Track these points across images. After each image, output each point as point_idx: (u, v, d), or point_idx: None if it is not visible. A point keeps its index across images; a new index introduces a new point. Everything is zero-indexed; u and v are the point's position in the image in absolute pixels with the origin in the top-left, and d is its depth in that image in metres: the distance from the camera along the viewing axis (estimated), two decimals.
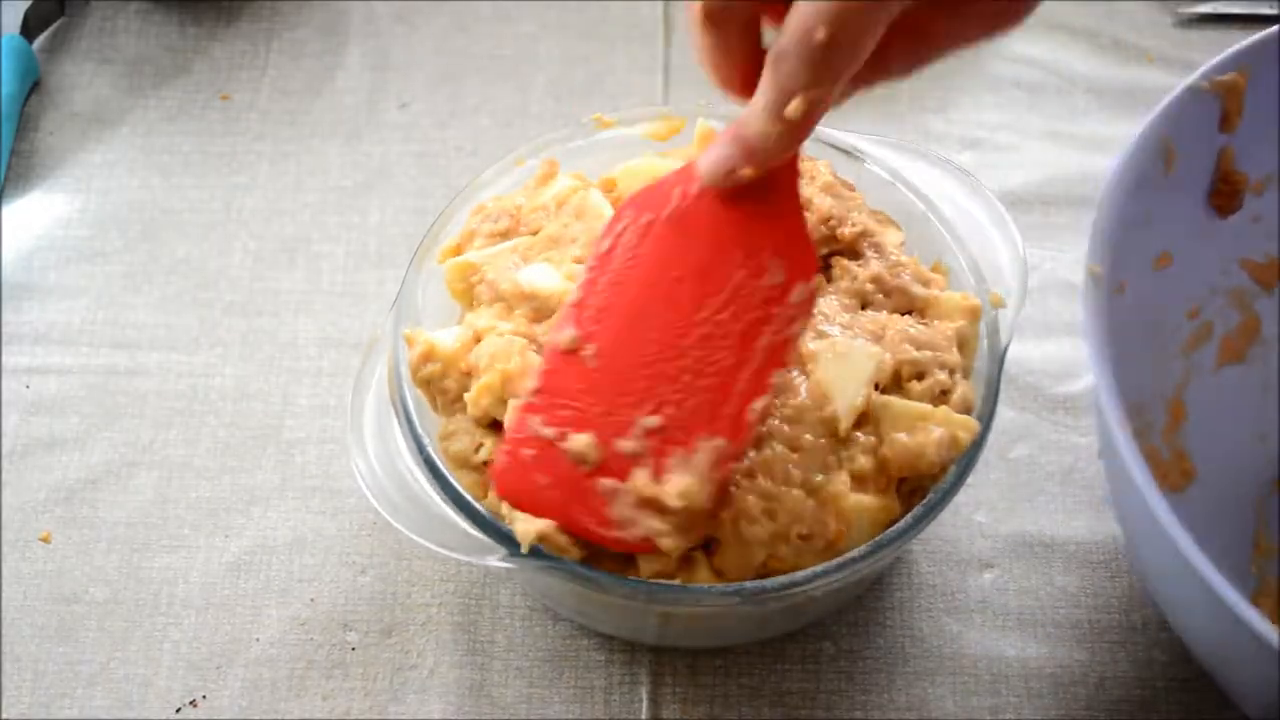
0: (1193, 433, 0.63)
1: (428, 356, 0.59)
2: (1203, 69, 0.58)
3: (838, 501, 0.54)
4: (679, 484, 0.51)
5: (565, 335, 0.53)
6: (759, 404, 0.52)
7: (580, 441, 0.52)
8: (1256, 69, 0.58)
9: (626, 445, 0.51)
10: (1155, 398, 0.62)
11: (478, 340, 0.58)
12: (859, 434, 0.56)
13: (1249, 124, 0.59)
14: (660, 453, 0.51)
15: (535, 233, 0.61)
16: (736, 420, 0.52)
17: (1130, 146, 0.56)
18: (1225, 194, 0.61)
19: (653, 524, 0.51)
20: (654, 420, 0.51)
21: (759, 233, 0.51)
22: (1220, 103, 0.58)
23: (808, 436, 0.56)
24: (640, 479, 0.51)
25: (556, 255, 0.60)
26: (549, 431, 0.52)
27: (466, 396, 0.57)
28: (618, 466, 0.52)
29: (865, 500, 0.55)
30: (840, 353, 0.58)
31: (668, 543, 0.51)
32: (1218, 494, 0.63)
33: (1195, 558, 0.46)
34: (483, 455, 0.57)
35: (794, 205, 0.52)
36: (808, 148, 0.66)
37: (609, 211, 0.61)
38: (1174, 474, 0.62)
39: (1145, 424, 0.61)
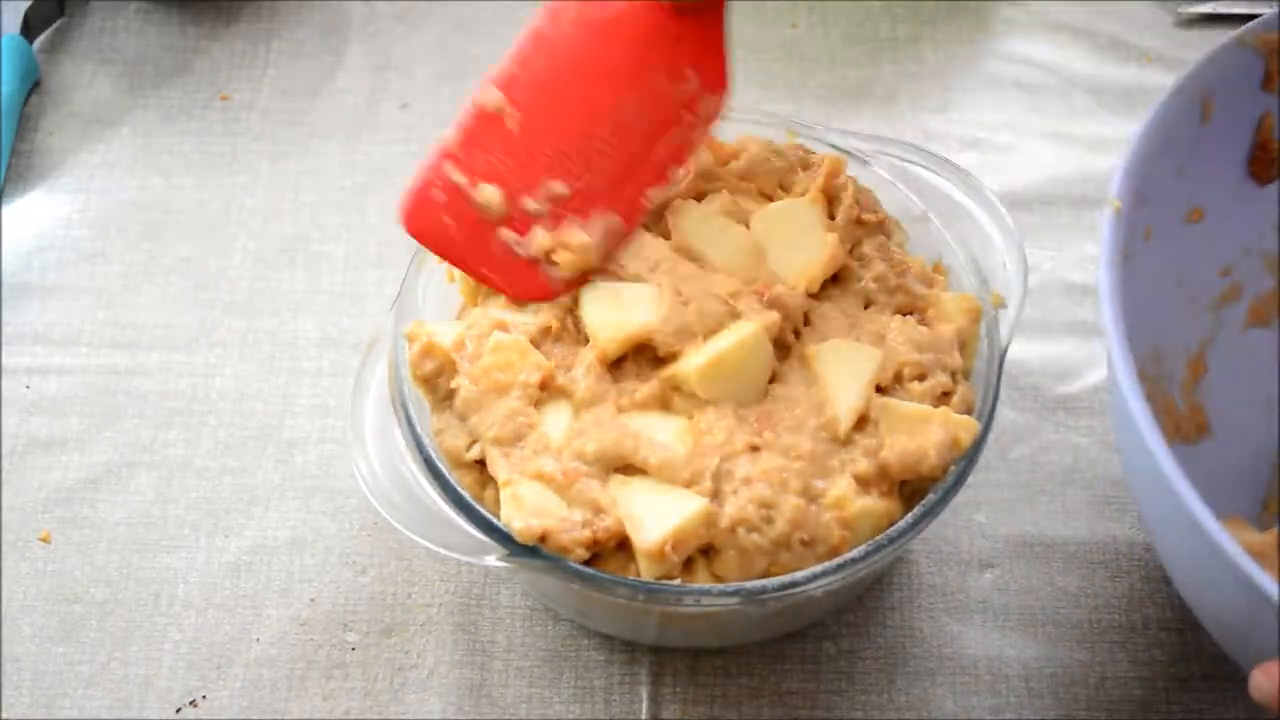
0: (1212, 390, 0.63)
1: (428, 352, 0.59)
2: (1248, 25, 0.57)
3: (842, 506, 0.54)
4: (575, 237, 0.55)
5: (492, 96, 0.56)
6: (655, 192, 0.56)
7: (489, 191, 0.55)
8: None
9: (531, 204, 0.55)
10: (1176, 349, 0.62)
11: (494, 328, 0.59)
12: (860, 436, 0.56)
13: None
14: (558, 217, 0.55)
15: None
16: (632, 203, 0.56)
17: (1167, 92, 0.56)
18: (1263, 161, 0.61)
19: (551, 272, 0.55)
20: (560, 187, 0.55)
21: (683, 41, 0.56)
22: (1263, 61, 0.58)
23: (807, 444, 0.56)
24: (539, 236, 0.55)
25: None
26: (462, 179, 0.55)
27: (456, 382, 0.58)
28: (520, 222, 0.55)
29: (869, 504, 0.55)
30: (841, 354, 0.58)
31: (559, 285, 0.55)
32: (1233, 452, 0.63)
33: (1182, 487, 0.47)
34: (475, 453, 0.57)
35: (718, 20, 0.58)
36: (808, 146, 0.66)
37: None
38: (1188, 426, 0.63)
39: (1163, 373, 0.61)
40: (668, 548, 0.53)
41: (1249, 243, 0.64)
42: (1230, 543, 0.46)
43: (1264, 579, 0.46)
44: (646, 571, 0.54)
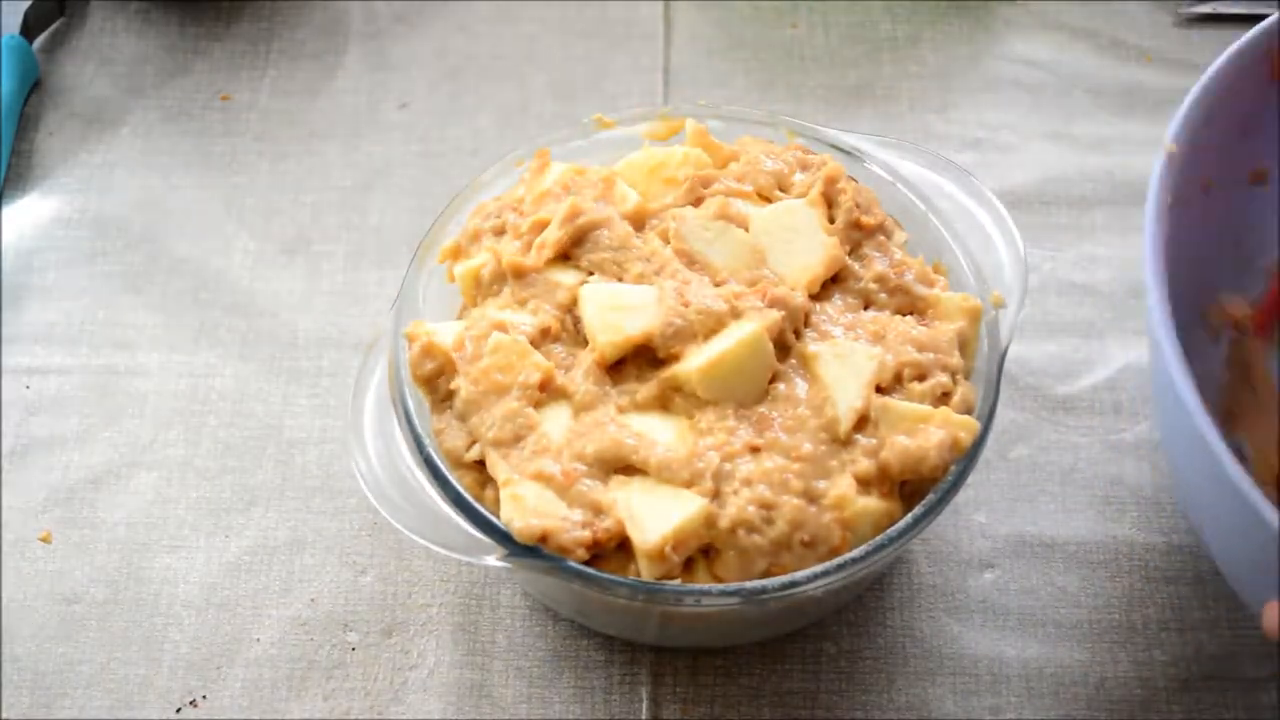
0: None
1: (428, 352, 0.59)
2: None
3: (842, 507, 0.54)
4: None
5: None
6: None
7: None
8: None
9: None
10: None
11: (494, 329, 0.58)
12: (860, 436, 0.56)
13: None
14: None
15: (542, 224, 0.62)
16: None
17: (1234, 46, 0.56)
18: None
19: None
20: None
21: None
22: None
23: (807, 445, 0.56)
24: None
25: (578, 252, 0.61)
26: None
27: (455, 382, 0.58)
28: None
29: (870, 504, 0.55)
30: (841, 354, 0.58)
31: None
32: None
33: (1211, 436, 0.47)
34: (475, 454, 0.57)
35: None
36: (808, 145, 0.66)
37: (634, 195, 0.62)
38: None
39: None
40: (668, 548, 0.53)
41: None
42: (1240, 473, 0.46)
43: (1269, 510, 0.46)
44: (647, 572, 0.54)
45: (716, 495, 0.54)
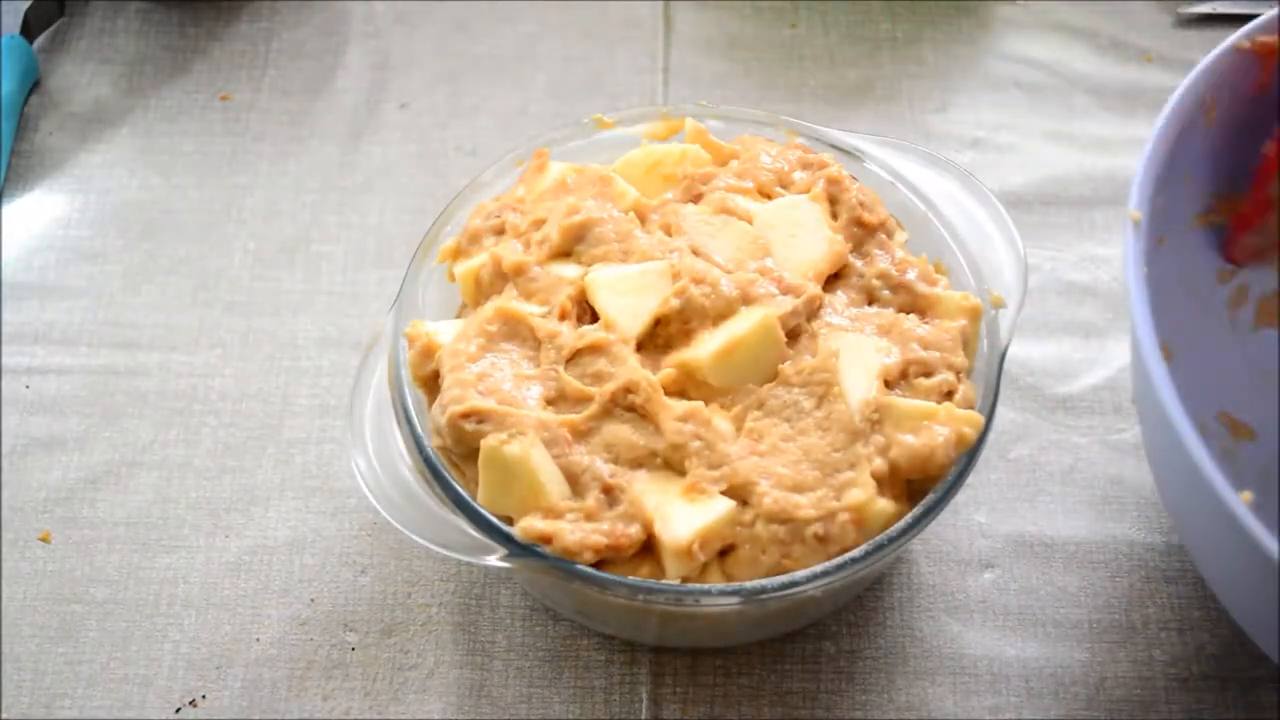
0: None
1: (427, 353, 0.59)
2: (1245, 29, 0.58)
3: (861, 508, 0.54)
4: None
5: None
6: None
7: None
8: None
9: None
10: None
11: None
12: (871, 432, 0.56)
13: None
14: None
15: (541, 221, 0.62)
16: None
17: (1173, 98, 0.57)
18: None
19: None
20: None
21: None
22: (1259, 64, 0.59)
23: (817, 439, 0.56)
24: None
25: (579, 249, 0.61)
26: None
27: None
28: None
29: (885, 506, 0.55)
30: (849, 346, 0.57)
31: None
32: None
33: (1211, 473, 0.47)
34: None
35: None
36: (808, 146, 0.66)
37: (633, 191, 0.62)
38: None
39: None
40: (695, 546, 0.53)
41: None
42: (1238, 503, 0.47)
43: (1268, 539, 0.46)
44: (672, 570, 0.54)
45: (733, 491, 0.54)
